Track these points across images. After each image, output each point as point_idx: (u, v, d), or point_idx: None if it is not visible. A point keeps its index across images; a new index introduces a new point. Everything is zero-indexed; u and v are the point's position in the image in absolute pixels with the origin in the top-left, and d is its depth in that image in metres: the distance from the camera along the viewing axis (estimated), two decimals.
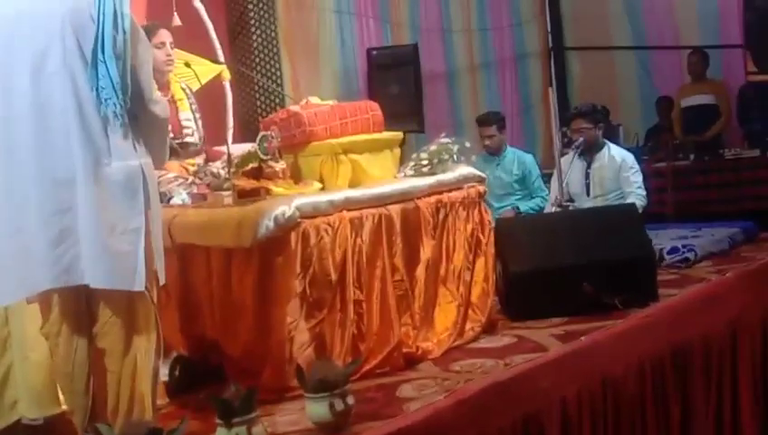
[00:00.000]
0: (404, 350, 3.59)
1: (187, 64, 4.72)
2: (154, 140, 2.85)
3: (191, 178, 4.03)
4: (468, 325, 3.92)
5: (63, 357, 2.77)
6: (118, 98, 2.60)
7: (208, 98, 5.27)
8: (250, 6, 7.09)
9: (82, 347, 2.78)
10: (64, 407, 2.95)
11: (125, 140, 2.67)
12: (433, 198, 3.83)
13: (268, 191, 3.50)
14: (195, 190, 3.92)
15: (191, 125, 4.36)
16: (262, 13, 7.15)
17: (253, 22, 7.10)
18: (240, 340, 3.50)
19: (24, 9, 2.66)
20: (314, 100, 3.89)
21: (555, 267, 4.16)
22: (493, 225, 4.22)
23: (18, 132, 2.63)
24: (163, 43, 4.29)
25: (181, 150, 3.28)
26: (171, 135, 4.25)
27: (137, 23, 2.74)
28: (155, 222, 2.77)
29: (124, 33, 2.62)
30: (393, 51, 7.60)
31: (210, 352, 3.66)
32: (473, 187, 4.05)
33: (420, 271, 3.76)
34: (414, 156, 3.94)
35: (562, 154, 5.66)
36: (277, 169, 3.58)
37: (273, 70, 7.23)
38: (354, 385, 3.10)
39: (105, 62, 2.58)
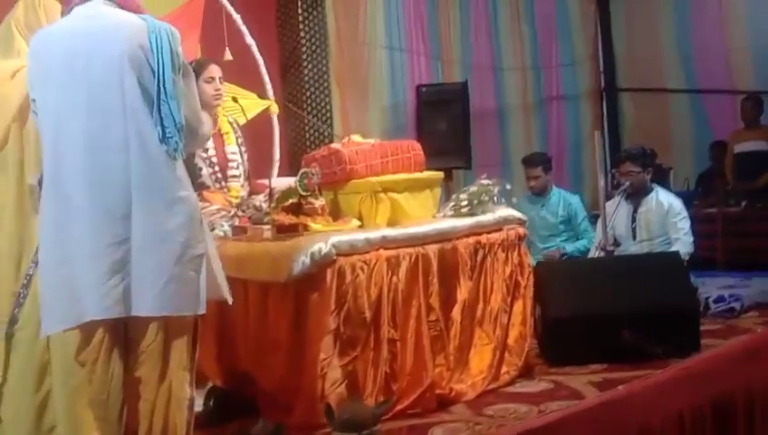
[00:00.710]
0: (437, 391, 3.56)
1: (235, 99, 4.79)
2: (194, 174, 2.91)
3: (233, 211, 4.07)
4: (504, 369, 3.88)
5: (99, 384, 2.79)
6: (180, 136, 2.68)
7: (256, 131, 5.34)
8: (302, 42, 7.20)
9: (118, 375, 2.80)
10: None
11: (183, 172, 2.77)
12: (471, 239, 3.82)
13: (306, 227, 3.52)
14: (237, 223, 3.96)
15: (237, 158, 4.41)
16: (314, 48, 7.25)
17: (305, 57, 7.21)
18: (274, 374, 3.52)
19: (80, 48, 2.70)
20: (356, 138, 3.91)
21: (595, 314, 4.11)
22: (534, 266, 4.19)
23: (69, 166, 2.68)
24: (213, 78, 4.34)
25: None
26: (218, 168, 4.34)
27: (184, 58, 2.80)
28: (210, 245, 2.85)
29: (180, 72, 2.72)
30: (442, 88, 7.62)
31: (245, 385, 3.67)
32: (513, 229, 4.02)
33: (456, 312, 3.74)
34: (454, 196, 3.94)
35: (611, 197, 5.60)
36: (316, 206, 3.60)
37: (323, 104, 7.32)
38: (385, 425, 3.10)
39: (168, 102, 2.66)
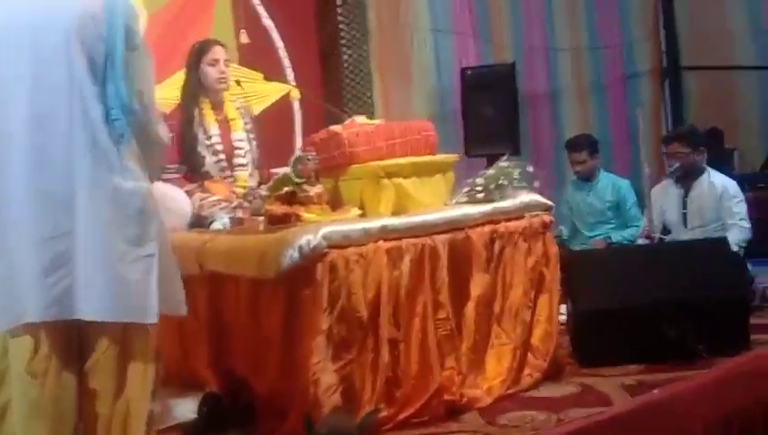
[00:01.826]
0: (446, 397, 3.23)
1: (237, 82, 4.51)
2: (153, 160, 2.61)
3: (236, 202, 3.79)
4: (526, 371, 3.52)
5: (51, 398, 2.53)
6: (127, 118, 2.40)
7: (276, 118, 5.07)
8: (342, 27, 6.92)
9: (71, 387, 2.53)
10: None
11: (135, 160, 2.46)
12: (487, 228, 3.46)
13: (298, 217, 3.21)
14: (239, 215, 3.68)
15: (244, 146, 4.14)
16: (353, 33, 6.96)
17: (344, 42, 6.92)
18: (268, 378, 3.23)
19: (25, 20, 2.45)
20: (360, 119, 3.58)
21: (631, 307, 3.72)
22: (564, 256, 3.81)
23: (14, 146, 2.43)
24: (216, 60, 4.09)
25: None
26: (223, 156, 4.07)
27: (144, 39, 2.52)
28: (164, 249, 2.52)
29: (134, 50, 2.43)
30: (488, 70, 7.21)
31: (240, 390, 3.38)
32: (536, 216, 3.65)
33: (470, 309, 3.39)
34: (469, 181, 3.58)
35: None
36: (312, 194, 3.29)
37: (363, 90, 7.02)
38: None
39: (115, 82, 2.39)
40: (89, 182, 2.37)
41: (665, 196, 4.99)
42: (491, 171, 3.57)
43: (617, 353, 3.71)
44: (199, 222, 3.73)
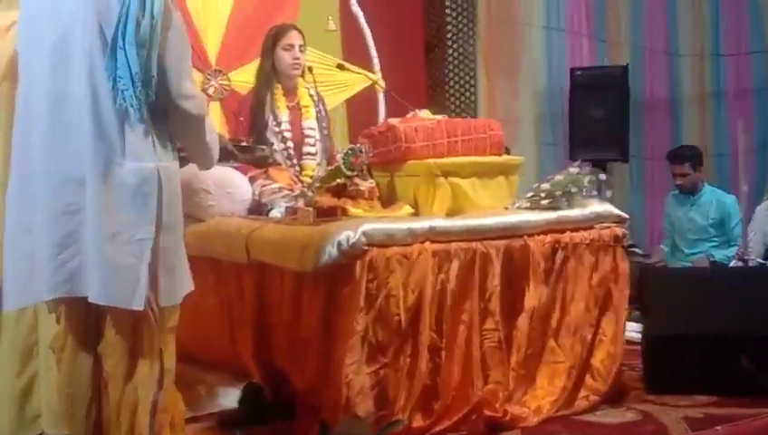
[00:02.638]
0: (487, 412, 3.03)
1: (341, 66, 4.45)
2: (191, 141, 2.52)
3: (298, 191, 3.69)
4: (582, 393, 3.28)
5: (65, 376, 2.50)
6: (136, 90, 2.28)
7: (361, 108, 4.95)
8: (449, 20, 6.77)
9: (86, 367, 2.49)
10: None
11: (144, 138, 2.34)
12: (549, 237, 3.24)
13: (345, 211, 3.08)
14: (299, 204, 3.58)
15: (314, 134, 4.04)
16: (461, 27, 6.82)
17: (450, 36, 6.77)
18: (306, 374, 3.12)
19: None
20: (424, 113, 3.41)
21: (708, 334, 3.42)
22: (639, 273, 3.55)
23: (35, 126, 2.39)
24: (291, 46, 4.00)
25: (240, 154, 2.94)
26: (291, 144, 3.97)
27: (173, 7, 2.41)
28: (170, 235, 2.41)
29: (152, 17, 2.28)
30: (600, 71, 6.92)
31: (281, 383, 3.28)
32: (608, 228, 3.40)
33: (523, 321, 3.18)
34: (534, 186, 3.36)
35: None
36: (362, 188, 3.15)
37: (467, 86, 6.85)
38: None
39: (125, 49, 2.26)
40: (92, 162, 2.30)
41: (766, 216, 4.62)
42: (559, 177, 3.34)
43: (688, 381, 3.42)
44: (258, 209, 3.67)
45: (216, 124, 3.58)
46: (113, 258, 2.30)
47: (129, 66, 2.24)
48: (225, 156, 2.88)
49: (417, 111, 3.43)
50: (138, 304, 2.33)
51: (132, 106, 2.26)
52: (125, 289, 2.32)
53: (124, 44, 2.24)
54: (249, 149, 3.09)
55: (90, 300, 2.36)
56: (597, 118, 6.57)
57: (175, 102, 2.39)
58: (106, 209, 2.28)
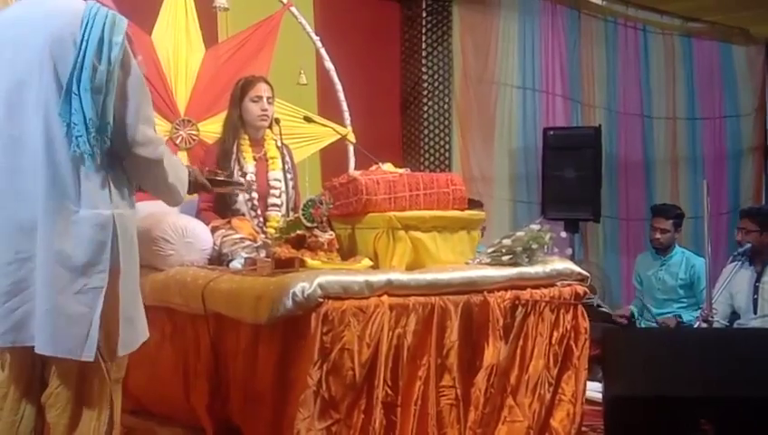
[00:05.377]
0: None
1: (308, 119, 4.46)
2: (152, 183, 2.50)
3: (260, 242, 3.66)
4: None
5: (7, 426, 2.44)
6: (90, 136, 2.25)
7: (333, 161, 4.95)
8: (425, 77, 6.83)
9: (28, 417, 2.45)
10: None
11: (99, 185, 2.31)
12: (509, 293, 3.21)
13: (303, 263, 3.05)
14: (261, 255, 3.54)
15: (280, 186, 4.02)
16: (437, 84, 6.88)
17: (426, 93, 6.82)
18: (260, 430, 3.04)
19: (10, 37, 2.39)
20: (387, 166, 3.41)
21: (666, 396, 3.36)
22: (601, 333, 3.52)
23: None
24: (260, 97, 4.01)
25: (213, 186, 2.96)
26: (256, 195, 3.94)
27: (132, 54, 2.40)
28: (126, 283, 2.37)
29: (109, 63, 2.27)
30: (573, 132, 7.01)
31: None
32: (569, 285, 3.38)
33: (481, 378, 3.14)
34: (495, 242, 3.34)
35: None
36: (322, 240, 3.13)
37: (441, 143, 6.89)
38: None
39: (80, 94, 2.24)
40: (44, 207, 2.27)
41: (734, 277, 4.62)
42: (520, 233, 3.33)
43: None
44: (219, 259, 3.62)
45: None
46: (64, 308, 2.26)
47: (84, 112, 2.22)
48: (196, 188, 2.88)
49: (380, 163, 3.42)
50: (88, 356, 2.28)
51: (86, 153, 2.24)
52: (75, 340, 2.27)
53: (79, 90, 2.23)
54: (224, 183, 3.09)
55: (36, 351, 2.31)
56: (569, 177, 6.63)
57: (131, 149, 2.37)
58: (58, 257, 2.24)
